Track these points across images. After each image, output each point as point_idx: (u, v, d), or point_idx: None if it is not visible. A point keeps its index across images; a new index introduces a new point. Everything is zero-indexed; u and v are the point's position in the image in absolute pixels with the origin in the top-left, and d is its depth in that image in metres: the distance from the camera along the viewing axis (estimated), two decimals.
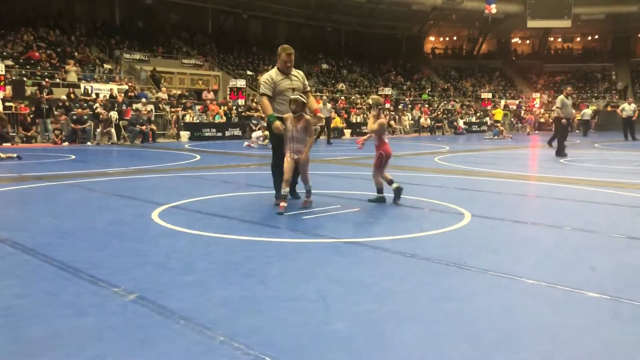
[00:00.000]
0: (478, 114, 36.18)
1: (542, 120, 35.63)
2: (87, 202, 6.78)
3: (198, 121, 22.97)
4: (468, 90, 44.49)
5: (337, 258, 4.28)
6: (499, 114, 30.95)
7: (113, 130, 19.13)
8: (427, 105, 35.19)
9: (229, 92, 26.07)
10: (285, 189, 6.05)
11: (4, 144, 16.58)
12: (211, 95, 26.65)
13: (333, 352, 2.61)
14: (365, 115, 27.29)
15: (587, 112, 31.19)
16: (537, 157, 14.79)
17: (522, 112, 36.87)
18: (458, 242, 4.76)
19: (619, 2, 41.03)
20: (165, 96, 23.96)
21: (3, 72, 19.52)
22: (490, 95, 38.59)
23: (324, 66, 38.23)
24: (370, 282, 3.65)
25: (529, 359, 2.58)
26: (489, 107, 36.22)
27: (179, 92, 26.43)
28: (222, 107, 24.43)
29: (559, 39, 50.47)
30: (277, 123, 6.21)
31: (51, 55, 24.54)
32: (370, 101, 6.97)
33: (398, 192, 6.58)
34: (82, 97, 21.38)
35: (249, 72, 32.14)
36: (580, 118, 30.91)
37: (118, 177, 9.39)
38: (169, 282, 3.59)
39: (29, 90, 20.62)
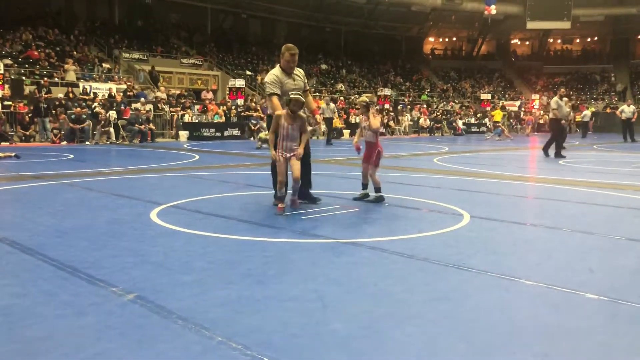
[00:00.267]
0: (478, 115, 36.22)
1: (541, 121, 35.66)
2: (86, 202, 6.77)
3: (197, 121, 22.96)
4: (467, 91, 44.53)
5: (335, 258, 4.28)
6: (498, 115, 30.98)
7: (112, 129, 19.12)
8: (425, 106, 35.21)
9: (228, 92, 26.07)
10: (281, 190, 6.02)
11: (3, 143, 16.56)
12: (210, 95, 26.65)
13: (331, 352, 2.61)
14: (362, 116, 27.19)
15: (587, 113, 31.23)
16: (537, 158, 14.80)
17: (522, 113, 36.90)
18: (457, 243, 4.76)
19: (619, 4, 41.11)
20: (164, 95, 23.94)
21: (2, 71, 19.51)
22: (489, 97, 38.63)
23: (323, 66, 38.24)
24: (368, 282, 3.66)
25: None
26: (488, 108, 36.26)
27: (178, 91, 26.42)
28: (221, 107, 24.43)
29: (559, 41, 50.52)
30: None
31: (50, 54, 24.52)
32: (366, 99, 6.92)
33: (374, 198, 6.70)
34: (80, 96, 21.36)
35: (248, 72, 32.14)
36: (580, 119, 30.94)
37: (116, 177, 9.38)
38: (168, 282, 3.59)
39: (27, 90, 20.60)
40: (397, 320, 3.00)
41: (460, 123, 31.77)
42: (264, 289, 3.47)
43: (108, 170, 10.47)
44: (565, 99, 19.69)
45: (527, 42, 51.75)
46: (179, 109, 23.11)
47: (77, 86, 22.34)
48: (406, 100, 36.63)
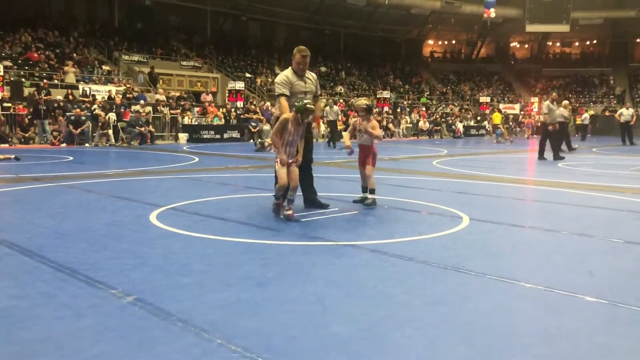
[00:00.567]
0: (478, 117, 36.26)
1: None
2: (85, 204, 6.77)
3: (196, 123, 22.97)
4: (466, 94, 44.58)
5: (335, 261, 4.28)
6: (497, 117, 31.02)
7: (110, 131, 19.12)
8: (424, 109, 35.25)
9: (227, 94, 26.09)
10: (279, 194, 5.96)
11: (2, 145, 16.56)
12: (210, 98, 26.67)
13: (331, 354, 2.61)
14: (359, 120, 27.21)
15: (586, 116, 31.26)
16: (536, 161, 14.82)
17: (520, 116, 36.95)
18: (456, 246, 4.76)
19: (617, 7, 41.20)
20: (163, 97, 23.95)
21: (2, 73, 19.51)
22: (488, 99, 38.68)
23: (323, 69, 38.27)
24: (368, 284, 3.65)
25: None
26: (487, 111, 36.30)
27: (178, 94, 26.44)
28: (221, 109, 24.44)
29: (558, 44, 50.62)
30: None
31: (50, 56, 24.53)
32: (366, 102, 6.90)
33: (364, 200, 6.69)
34: (80, 98, 21.37)
35: (247, 75, 32.16)
36: (580, 122, 30.98)
37: (116, 179, 9.38)
38: (167, 284, 3.59)
39: (27, 91, 20.61)
40: (397, 323, 3.00)
41: (459, 126, 31.81)
42: (263, 292, 3.47)
43: (107, 172, 10.46)
44: (565, 102, 19.86)
45: (526, 45, 51.85)
46: (179, 111, 23.13)
47: (77, 88, 22.35)
48: (405, 102, 36.66)
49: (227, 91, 26.44)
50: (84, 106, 19.85)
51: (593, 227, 5.70)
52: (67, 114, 18.74)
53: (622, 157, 16.79)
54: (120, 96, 22.22)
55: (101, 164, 12.51)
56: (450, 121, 33.09)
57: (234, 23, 37.64)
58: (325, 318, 3.05)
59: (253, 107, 25.37)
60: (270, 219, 5.79)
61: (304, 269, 4.07)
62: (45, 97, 19.72)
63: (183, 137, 21.74)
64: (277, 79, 6.42)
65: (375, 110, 31.80)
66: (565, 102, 19.97)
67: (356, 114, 6.92)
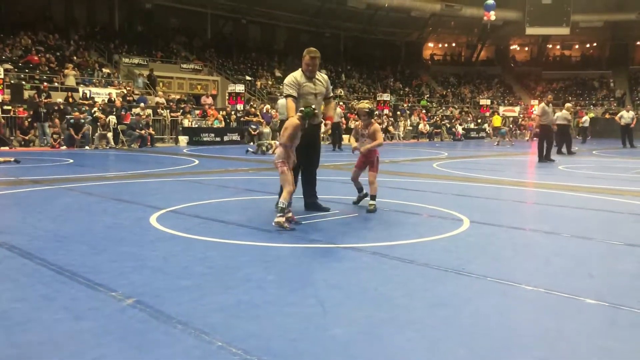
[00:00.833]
0: (478, 120, 36.28)
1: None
2: (85, 206, 6.77)
3: (197, 126, 22.98)
4: (466, 97, 44.61)
5: (335, 263, 4.27)
6: (497, 120, 31.05)
7: (110, 134, 19.13)
8: (424, 111, 35.27)
9: (227, 97, 26.11)
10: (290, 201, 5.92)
11: (2, 148, 16.56)
12: (210, 100, 26.70)
13: (331, 357, 2.60)
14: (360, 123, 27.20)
15: (586, 119, 31.28)
16: (536, 163, 14.82)
17: (519, 119, 36.98)
18: (456, 248, 4.75)
19: (618, 10, 41.25)
20: (162, 100, 23.97)
21: (2, 76, 19.54)
22: (488, 102, 38.71)
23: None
24: (368, 287, 3.65)
25: None
26: (487, 114, 36.33)
27: (178, 96, 26.46)
28: (221, 112, 24.46)
29: (558, 46, 50.69)
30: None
31: (50, 59, 24.56)
32: (368, 106, 6.85)
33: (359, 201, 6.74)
34: (80, 101, 21.39)
35: (247, 77, 32.19)
36: (581, 125, 31.00)
37: (116, 182, 9.38)
38: (167, 287, 3.59)
39: (27, 94, 20.63)
40: (398, 326, 2.99)
41: (459, 128, 31.83)
42: (263, 294, 3.47)
43: (108, 174, 10.46)
44: (568, 104, 19.97)
45: (526, 48, 51.92)
46: (179, 114, 23.15)
47: (77, 91, 22.37)
48: (405, 105, 36.69)
49: (227, 94, 26.46)
50: (84, 109, 19.87)
51: (593, 230, 5.70)
52: (67, 116, 18.75)
53: (623, 160, 16.79)
54: (121, 99, 22.24)
55: (101, 167, 12.51)
56: (449, 125, 33.10)
57: (234, 26, 37.70)
58: (326, 321, 3.05)
59: (253, 109, 25.38)
60: (271, 221, 5.76)
61: (304, 271, 4.07)
62: (46, 100, 19.75)
63: (183, 139, 21.75)
64: (286, 80, 6.33)
65: (376, 113, 31.89)
66: (568, 104, 20.00)
67: (358, 117, 6.87)
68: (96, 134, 18.74)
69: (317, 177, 6.71)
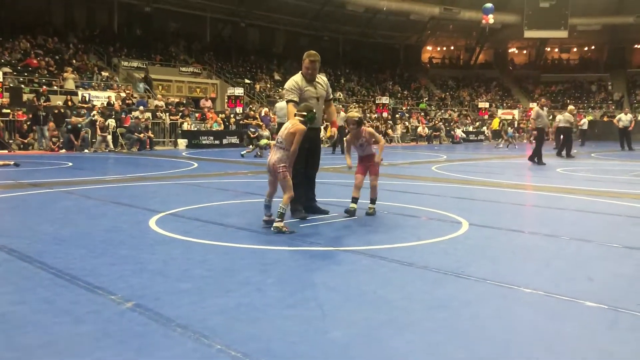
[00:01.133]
0: (477, 123, 36.31)
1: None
2: (84, 210, 6.76)
3: (196, 129, 22.99)
4: (465, 100, 44.66)
5: (334, 266, 4.27)
6: (496, 123, 31.11)
7: (109, 137, 19.12)
8: (423, 114, 35.30)
9: (226, 100, 26.13)
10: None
11: (1, 151, 16.55)
12: (209, 103, 26.71)
13: None
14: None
15: (585, 122, 31.33)
16: (535, 166, 14.84)
17: (516, 122, 37.02)
18: (455, 251, 4.76)
19: (615, 13, 41.35)
20: (161, 103, 23.98)
21: (1, 79, 19.54)
22: (487, 105, 38.76)
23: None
24: (367, 290, 3.65)
25: None
26: (486, 117, 36.37)
27: (177, 100, 26.47)
28: (220, 115, 24.47)
29: (556, 49, 50.77)
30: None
31: (49, 62, 24.56)
32: (358, 115, 6.68)
33: (352, 213, 6.40)
34: (79, 104, 21.39)
35: (246, 81, 32.21)
36: (580, 128, 31.07)
37: (115, 185, 9.38)
38: (166, 290, 3.58)
39: (26, 98, 20.62)
40: (397, 328, 2.99)
41: (458, 131, 31.87)
42: (263, 297, 3.47)
43: (107, 178, 10.46)
44: (571, 107, 20.09)
45: (525, 51, 51.99)
46: (178, 117, 23.15)
47: (76, 94, 22.38)
48: (404, 108, 36.73)
49: (226, 97, 26.49)
50: (82, 112, 19.87)
51: (592, 232, 5.70)
52: (67, 120, 18.75)
53: (621, 162, 16.81)
54: (120, 102, 22.24)
55: (100, 170, 12.51)
56: (449, 127, 33.13)
57: (233, 29, 37.72)
58: (325, 323, 3.05)
59: (252, 112, 25.40)
60: (269, 224, 5.76)
61: (304, 274, 4.07)
62: (45, 103, 19.74)
63: (182, 142, 21.76)
64: (287, 85, 6.25)
65: (375, 116, 31.95)
66: (571, 107, 20.13)
67: (347, 126, 6.71)
68: (96, 138, 18.73)
69: (316, 180, 6.71)
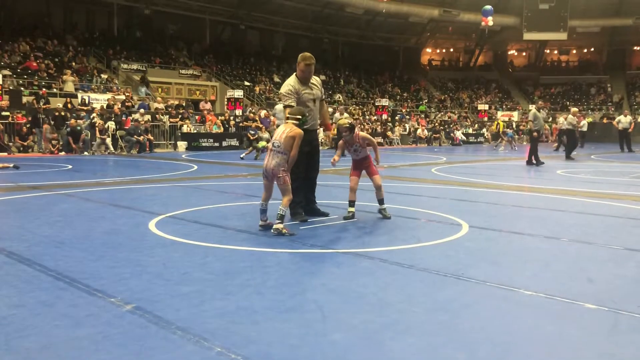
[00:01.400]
0: (476, 125, 36.32)
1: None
2: (84, 212, 6.76)
3: (195, 131, 22.99)
4: (465, 102, 44.69)
5: (334, 268, 4.27)
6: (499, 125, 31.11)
7: (109, 140, 19.12)
8: (423, 116, 35.31)
9: (226, 103, 26.12)
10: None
11: (1, 154, 16.54)
12: (209, 106, 26.71)
13: None
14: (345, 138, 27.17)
15: (585, 123, 31.35)
16: (534, 168, 14.84)
17: (513, 124, 37.06)
18: (456, 253, 4.75)
19: (615, 15, 41.40)
20: (161, 106, 23.98)
21: (1, 82, 19.53)
22: (487, 107, 38.77)
23: (321, 77, 38.25)
24: (367, 292, 3.64)
25: None
26: (485, 119, 36.37)
27: (177, 102, 26.47)
28: (220, 118, 24.47)
29: (555, 51, 50.81)
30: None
31: (49, 65, 24.57)
32: (349, 122, 6.57)
33: (351, 217, 6.35)
34: (79, 107, 21.39)
35: (246, 83, 32.23)
36: (580, 129, 31.11)
37: (114, 187, 9.37)
38: (166, 293, 3.58)
39: (25, 100, 20.61)
40: (397, 331, 2.98)
41: (458, 133, 31.88)
42: (262, 300, 3.46)
43: (106, 180, 10.46)
44: (574, 109, 20.17)
45: (524, 53, 52.05)
46: (178, 119, 23.16)
47: (76, 97, 22.37)
48: (404, 110, 36.75)
49: (225, 99, 26.47)
50: (82, 115, 19.86)
51: (593, 234, 5.70)
52: (67, 122, 18.74)
53: (621, 164, 16.81)
54: (120, 104, 22.24)
55: (100, 173, 12.50)
56: (448, 129, 33.13)
57: (232, 32, 37.74)
58: (325, 326, 3.04)
59: (252, 115, 25.40)
60: (269, 227, 5.75)
61: (304, 277, 4.06)
62: (44, 106, 19.74)
63: (182, 145, 21.76)
64: (283, 90, 6.18)
65: (374, 118, 31.96)
66: (574, 109, 20.20)
67: (338, 133, 6.60)
68: (95, 140, 18.73)
69: (317, 182, 6.70)
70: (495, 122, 31.87)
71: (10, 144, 17.95)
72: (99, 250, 4.73)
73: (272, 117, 23.16)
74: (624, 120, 23.40)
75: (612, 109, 41.95)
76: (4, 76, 20.77)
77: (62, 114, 19.43)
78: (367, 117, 32.39)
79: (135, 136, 19.40)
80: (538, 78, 48.28)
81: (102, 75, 26.16)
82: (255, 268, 4.21)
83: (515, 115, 38.96)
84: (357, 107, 34.70)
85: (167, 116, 23.15)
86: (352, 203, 6.42)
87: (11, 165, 12.35)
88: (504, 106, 43.58)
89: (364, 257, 4.58)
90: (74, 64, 25.97)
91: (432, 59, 51.06)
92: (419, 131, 30.89)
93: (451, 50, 51.57)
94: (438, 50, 51.57)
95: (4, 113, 18.54)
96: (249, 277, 3.96)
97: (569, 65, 50.46)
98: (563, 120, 18.24)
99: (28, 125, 18.57)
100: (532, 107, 16.32)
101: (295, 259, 4.56)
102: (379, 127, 29.61)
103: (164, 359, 2.59)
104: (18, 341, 2.79)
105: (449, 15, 40.26)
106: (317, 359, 2.64)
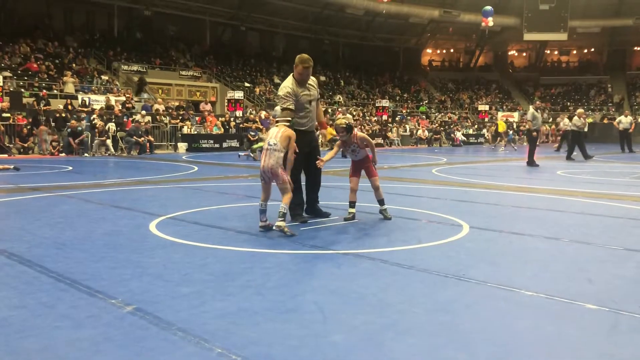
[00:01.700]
0: (476, 126, 36.32)
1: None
2: (84, 214, 6.76)
3: (196, 132, 22.99)
4: (465, 102, 44.69)
5: (334, 269, 4.27)
6: (501, 125, 31.12)
7: (109, 141, 19.13)
8: (424, 117, 35.31)
9: (226, 104, 26.14)
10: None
11: (1, 155, 16.55)
12: (209, 107, 26.73)
13: None
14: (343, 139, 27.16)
15: (585, 124, 31.34)
16: (534, 169, 14.84)
17: (513, 124, 37.06)
18: (456, 254, 4.75)
19: (615, 16, 41.41)
20: (162, 107, 23.99)
21: (1, 83, 19.55)
22: (487, 107, 38.77)
23: (322, 78, 38.36)
24: (368, 293, 3.64)
25: None
26: (486, 119, 36.37)
27: (177, 103, 26.48)
28: (220, 119, 24.48)
29: (555, 52, 50.83)
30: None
31: (49, 66, 24.59)
32: (346, 122, 6.51)
33: (351, 219, 6.34)
34: (79, 108, 21.41)
35: (246, 84, 32.24)
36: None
37: (115, 189, 9.38)
38: (167, 294, 3.58)
39: (26, 102, 20.63)
40: (398, 332, 2.99)
41: (458, 134, 31.88)
42: (263, 301, 3.46)
43: (107, 182, 10.46)
44: (580, 110, 20.20)
45: (524, 54, 52.07)
46: (179, 121, 23.17)
47: (76, 98, 22.39)
48: (404, 111, 36.75)
49: (226, 100, 26.48)
50: (83, 116, 19.87)
51: (593, 235, 5.70)
52: (67, 123, 18.75)
53: (621, 165, 16.81)
54: (120, 105, 22.26)
55: (100, 174, 12.50)
56: (449, 130, 33.12)
57: (232, 33, 37.77)
58: (326, 327, 3.04)
59: (252, 116, 25.41)
60: (270, 228, 5.76)
61: (304, 277, 4.07)
62: (45, 107, 19.75)
63: (182, 146, 21.77)
64: (281, 92, 6.12)
65: (374, 119, 31.97)
66: (580, 110, 20.25)
67: (336, 133, 6.59)
68: (95, 141, 18.74)
69: (320, 183, 6.69)
70: (501, 123, 31.88)
71: (11, 145, 17.97)
72: (100, 251, 4.73)
73: (271, 118, 23.19)
74: (624, 120, 23.40)
75: (613, 110, 41.95)
76: (5, 78, 20.78)
77: (63, 115, 19.45)
78: (368, 118, 32.40)
79: (135, 137, 19.41)
80: (538, 79, 48.29)
81: (103, 77, 26.18)
82: (256, 269, 4.21)
83: (516, 116, 38.96)
84: (358, 108, 34.71)
85: (168, 117, 23.16)
86: (352, 204, 6.43)
87: (11, 166, 12.36)
88: (504, 107, 43.59)
89: (364, 258, 4.58)
90: (74, 65, 25.99)
91: (432, 59, 51.08)
92: (419, 132, 30.89)
93: (451, 51, 51.58)
94: (438, 51, 51.58)
95: (4, 114, 18.56)
96: (249, 278, 3.96)
97: (569, 66, 50.47)
98: (567, 121, 18.26)
99: (28, 127, 18.59)
100: (531, 107, 16.33)
101: (295, 260, 4.57)
102: (381, 127, 29.59)
103: None
104: (18, 342, 2.79)
105: (449, 16, 40.28)
106: None
